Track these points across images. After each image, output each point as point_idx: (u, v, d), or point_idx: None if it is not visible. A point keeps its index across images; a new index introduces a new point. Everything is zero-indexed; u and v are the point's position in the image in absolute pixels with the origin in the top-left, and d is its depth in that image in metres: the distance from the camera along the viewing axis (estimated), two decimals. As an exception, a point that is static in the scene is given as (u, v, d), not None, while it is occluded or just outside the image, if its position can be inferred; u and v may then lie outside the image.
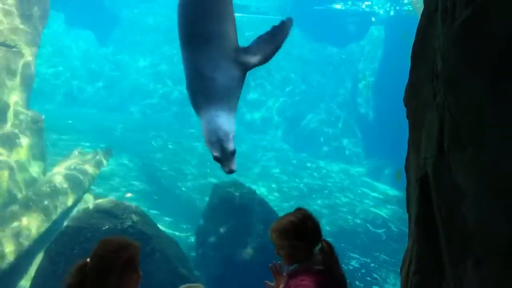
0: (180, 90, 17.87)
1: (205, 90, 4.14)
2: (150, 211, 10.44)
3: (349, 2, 18.41)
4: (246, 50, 4.27)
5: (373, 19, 17.73)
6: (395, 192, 13.41)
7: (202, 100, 4.14)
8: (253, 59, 4.29)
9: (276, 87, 17.84)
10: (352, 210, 12.27)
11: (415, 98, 2.45)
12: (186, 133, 15.38)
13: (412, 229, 2.36)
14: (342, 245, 10.07)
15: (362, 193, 13.52)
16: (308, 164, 15.21)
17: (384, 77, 15.66)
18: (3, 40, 7.42)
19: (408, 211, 2.58)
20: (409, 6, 16.28)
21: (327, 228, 11.01)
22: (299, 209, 2.56)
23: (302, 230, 2.44)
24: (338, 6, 18.21)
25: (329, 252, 2.44)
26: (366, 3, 17.91)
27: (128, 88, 18.28)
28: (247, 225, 7.91)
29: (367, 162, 15.55)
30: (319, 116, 17.25)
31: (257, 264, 7.57)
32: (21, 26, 7.61)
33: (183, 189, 12.18)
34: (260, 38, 4.36)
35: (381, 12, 17.67)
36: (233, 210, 7.98)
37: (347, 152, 16.39)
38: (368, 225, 11.44)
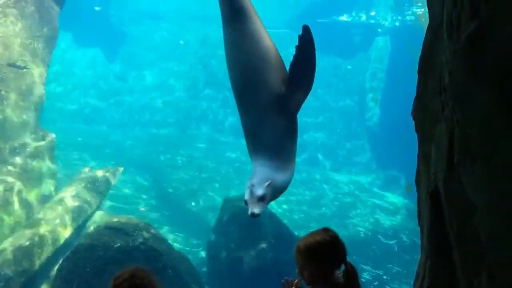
0: (188, 105, 17.98)
1: (252, 144, 4.43)
2: (161, 226, 10.46)
3: (353, 14, 18.50)
4: (288, 91, 4.33)
5: (378, 30, 17.79)
6: (406, 202, 13.33)
7: (252, 152, 4.46)
8: (297, 97, 4.40)
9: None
10: (363, 221, 12.20)
11: (423, 111, 2.46)
12: (195, 148, 15.43)
13: (425, 243, 2.35)
14: (354, 257, 9.96)
15: (372, 204, 13.45)
16: (317, 176, 15.17)
17: (391, 87, 15.66)
18: (14, 61, 7.53)
19: (419, 225, 2.57)
20: (412, 17, 16.33)
21: (338, 240, 10.95)
22: (326, 230, 2.51)
23: (330, 253, 2.41)
24: (343, 18, 18.31)
25: (353, 275, 2.40)
26: (371, 13, 18.00)
27: (136, 104, 18.42)
28: (258, 239, 7.90)
29: (376, 173, 15.49)
30: (327, 127, 17.26)
31: (269, 278, 7.54)
32: (31, 47, 7.74)
33: (193, 204, 12.20)
34: (293, 67, 4.42)
35: (386, 23, 17.72)
36: (243, 224, 7.97)
37: (355, 163, 16.35)
38: (379, 236, 11.36)
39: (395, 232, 11.67)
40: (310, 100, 19.16)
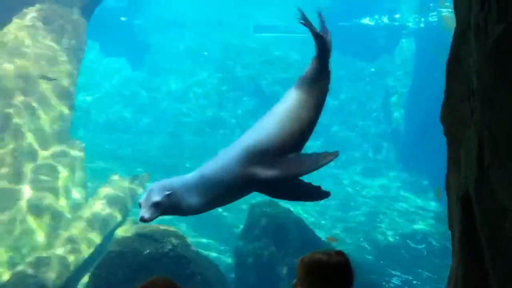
0: (212, 112, 18.13)
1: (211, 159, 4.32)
2: (188, 233, 10.55)
3: (376, 16, 18.40)
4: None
5: (403, 32, 17.63)
6: (434, 205, 13.12)
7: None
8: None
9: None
10: (390, 225, 12.05)
11: (452, 115, 2.45)
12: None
13: (456, 248, 2.33)
14: (382, 262, 9.89)
15: (400, 208, 13.28)
16: (344, 180, 15.07)
17: (417, 89, 15.47)
18: (45, 73, 7.76)
19: (450, 229, 2.55)
20: (436, 18, 16.13)
21: (366, 245, 10.84)
22: (339, 254, 2.32)
23: (333, 278, 2.23)
24: (366, 21, 18.22)
25: None
26: (396, 15, 17.86)
27: (161, 112, 18.67)
28: (284, 244, 7.90)
29: (403, 176, 15.29)
30: (352, 131, 17.16)
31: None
32: (61, 59, 7.96)
33: (219, 210, 12.26)
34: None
35: (411, 24, 17.56)
36: (270, 230, 7.99)
37: (382, 167, 16.18)
38: (408, 240, 11.20)
39: (424, 236, 11.49)
40: (333, 104, 19.14)
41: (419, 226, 12.17)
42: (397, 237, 11.47)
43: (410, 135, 15.49)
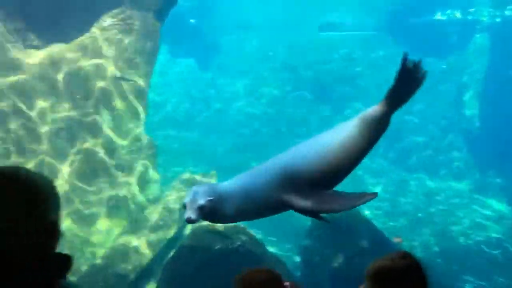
0: (277, 112, 18.23)
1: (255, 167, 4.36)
2: (254, 230, 10.69)
3: (448, 11, 17.69)
4: None
5: (477, 27, 16.82)
6: (510, 209, 12.47)
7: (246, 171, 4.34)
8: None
9: (371, 100, 17.49)
10: (462, 229, 11.59)
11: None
12: (285, 153, 15.60)
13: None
14: (454, 267, 9.55)
15: (472, 211, 12.74)
16: (412, 181, 14.66)
17: (491, 87, 14.75)
18: (121, 75, 8.18)
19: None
20: (509, 12, 15.28)
21: (437, 250, 10.51)
22: (404, 256, 2.24)
23: (402, 283, 2.14)
24: (438, 17, 17.57)
25: None
26: (470, 10, 17.08)
27: (227, 111, 19.02)
28: (352, 244, 7.82)
29: (477, 178, 14.62)
30: (421, 130, 16.62)
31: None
32: (137, 61, 8.35)
33: (285, 208, 12.31)
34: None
35: (485, 19, 16.71)
36: (337, 229, 7.93)
37: (453, 167, 15.55)
38: (482, 245, 10.73)
39: (499, 241, 10.96)
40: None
41: (494, 230, 11.61)
42: (470, 242, 11.02)
43: (485, 135, 14.78)
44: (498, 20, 16.34)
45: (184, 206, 3.93)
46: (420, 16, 17.73)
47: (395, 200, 13.21)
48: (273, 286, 2.10)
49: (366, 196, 4.19)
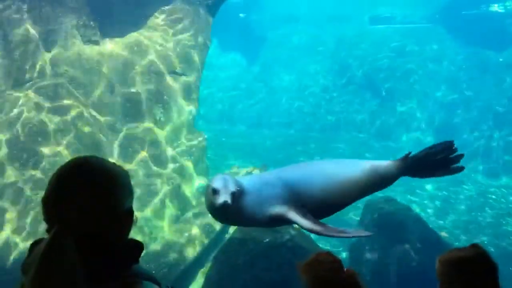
0: (326, 107, 18.06)
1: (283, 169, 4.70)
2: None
3: (508, 3, 16.95)
4: None
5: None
6: None
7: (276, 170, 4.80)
8: None
9: (428, 99, 17.04)
10: (517, 230, 11.13)
11: None
12: (332, 148, 15.46)
13: None
14: (510, 268, 9.18)
15: (528, 212, 12.20)
16: (465, 179, 14.17)
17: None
18: (174, 69, 8.35)
19: None
20: None
21: (492, 250, 10.14)
22: (476, 246, 2.30)
23: (478, 272, 2.20)
24: (495, 8, 16.85)
25: None
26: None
27: (275, 105, 19.04)
28: (403, 242, 7.66)
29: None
30: (476, 127, 16.02)
31: (415, 284, 7.28)
32: (188, 56, 8.51)
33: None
34: None
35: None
36: (387, 226, 7.79)
37: (508, 165, 14.93)
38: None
39: (559, 243, 10.45)
40: (456, 97, 18.04)
41: (553, 231, 11.09)
42: (528, 244, 10.57)
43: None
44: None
45: (215, 191, 3.92)
46: (476, 8, 17.08)
47: (445, 197, 12.83)
48: (332, 267, 2.16)
49: (356, 233, 4.73)
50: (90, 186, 1.54)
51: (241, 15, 20.75)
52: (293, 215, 4.25)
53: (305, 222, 4.25)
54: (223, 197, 3.85)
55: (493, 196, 13.05)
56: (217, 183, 3.97)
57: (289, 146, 15.64)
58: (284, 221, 4.38)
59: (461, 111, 16.37)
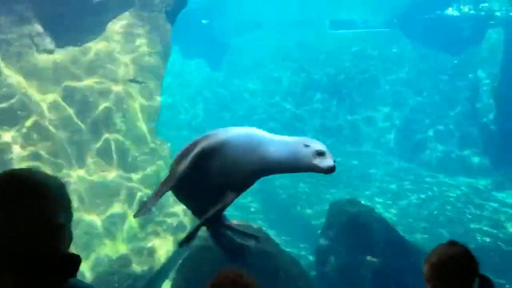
0: (290, 110, 18.19)
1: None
2: (268, 230, 10.68)
3: (462, 6, 17.53)
4: None
5: (491, 22, 16.62)
6: (528, 206, 12.29)
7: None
8: None
9: (387, 100, 17.43)
10: (479, 227, 11.45)
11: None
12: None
13: None
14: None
15: (489, 208, 12.57)
16: (427, 179, 14.53)
17: (507, 82, 14.55)
18: (134, 77, 8.23)
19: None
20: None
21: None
22: (454, 243, 2.38)
23: (463, 269, 2.30)
24: (450, 12, 17.41)
25: None
26: (482, 5, 16.91)
27: (240, 111, 19.05)
28: (367, 243, 7.76)
29: (493, 174, 14.44)
30: (436, 127, 16.47)
31: (380, 285, 7.38)
32: (148, 63, 8.41)
33: (298, 208, 12.30)
34: None
35: (499, 14, 16.51)
36: (352, 228, 7.89)
37: (469, 164, 15.39)
38: (499, 242, 10.59)
39: (517, 238, 10.82)
40: (416, 100, 18.45)
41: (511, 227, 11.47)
42: (487, 239, 10.88)
43: (501, 131, 14.60)
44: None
45: (323, 154, 3.81)
46: (432, 12, 17.60)
47: (408, 197, 13.10)
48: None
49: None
50: (19, 200, 1.49)
51: (203, 21, 20.70)
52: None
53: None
54: (332, 160, 3.78)
55: (454, 195, 13.41)
56: (322, 146, 3.85)
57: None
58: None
59: (421, 111, 16.79)
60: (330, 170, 3.80)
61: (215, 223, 4.60)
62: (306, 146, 3.91)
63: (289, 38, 19.69)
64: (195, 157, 3.96)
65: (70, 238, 1.62)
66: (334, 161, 3.80)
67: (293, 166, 3.99)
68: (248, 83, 19.56)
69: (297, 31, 19.58)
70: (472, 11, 17.23)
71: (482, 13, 17.10)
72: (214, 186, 4.14)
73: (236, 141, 4.01)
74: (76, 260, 1.57)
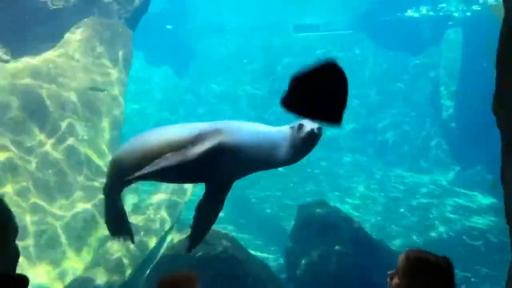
0: (257, 114, 18.22)
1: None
2: (238, 235, 10.65)
3: (421, 8, 17.96)
4: None
5: (449, 22, 17.10)
6: (490, 200, 12.64)
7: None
8: None
9: (352, 101, 17.67)
10: (444, 222, 11.72)
11: (505, 106, 2.36)
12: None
13: (515, 243, 2.25)
14: (436, 258, 9.63)
15: (454, 203, 12.89)
16: (393, 177, 14.79)
17: (466, 80, 14.97)
18: (95, 85, 8.08)
19: (508, 224, 2.46)
20: (478, 7, 15.63)
21: (420, 243, 10.59)
22: (442, 256, 2.37)
23: (440, 279, 2.25)
24: (409, 13, 17.82)
25: None
26: (441, 5, 17.38)
27: (207, 116, 18.95)
28: (335, 244, 7.84)
29: (456, 170, 14.83)
30: (400, 125, 16.81)
31: (349, 284, 7.45)
32: (109, 71, 8.26)
33: (268, 211, 12.32)
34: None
35: (456, 14, 17.00)
36: (320, 230, 7.95)
37: (432, 160, 15.76)
38: (464, 237, 10.86)
39: (481, 232, 11.10)
40: (378, 99, 18.79)
41: (475, 221, 11.77)
42: (452, 234, 11.15)
43: (462, 128, 15.00)
44: (469, 14, 16.64)
45: (300, 126, 3.86)
46: (392, 14, 17.97)
47: (375, 195, 13.31)
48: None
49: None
50: None
51: (168, 26, 20.53)
52: None
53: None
54: (312, 124, 3.74)
55: (419, 191, 13.69)
56: (314, 124, 3.79)
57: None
58: None
59: (384, 111, 17.09)
60: (318, 131, 3.78)
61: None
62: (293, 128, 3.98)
63: (254, 41, 19.74)
64: (210, 149, 3.91)
65: (15, 256, 1.56)
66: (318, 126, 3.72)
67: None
68: (214, 88, 19.51)
69: (262, 34, 19.66)
70: (431, 12, 17.67)
71: (441, 13, 17.57)
72: (201, 174, 4.11)
73: (250, 149, 3.97)
74: (23, 281, 1.51)
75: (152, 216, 7.98)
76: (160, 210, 8.06)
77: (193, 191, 9.66)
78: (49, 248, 6.87)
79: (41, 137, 7.58)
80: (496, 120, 2.53)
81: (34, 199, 7.08)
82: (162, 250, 7.42)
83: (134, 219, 7.96)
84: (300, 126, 3.87)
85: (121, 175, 4.34)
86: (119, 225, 5.04)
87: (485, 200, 12.94)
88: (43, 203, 7.17)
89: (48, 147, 7.55)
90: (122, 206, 5.08)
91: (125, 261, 7.25)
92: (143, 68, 20.25)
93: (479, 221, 11.73)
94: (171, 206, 8.33)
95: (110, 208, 4.93)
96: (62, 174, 7.49)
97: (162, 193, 8.53)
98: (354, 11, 18.96)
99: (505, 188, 2.45)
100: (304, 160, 4.48)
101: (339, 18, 19.79)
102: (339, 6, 19.09)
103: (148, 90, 19.92)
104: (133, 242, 5.20)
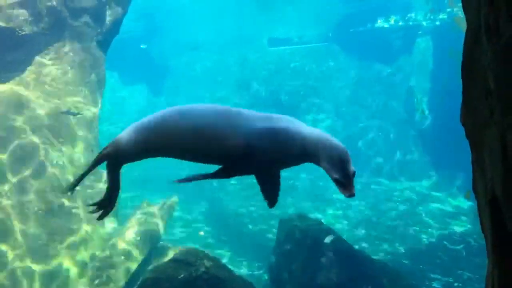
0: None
1: None
2: (222, 252, 10.57)
3: (390, 18, 18.32)
4: None
5: (419, 32, 17.49)
6: (469, 205, 12.83)
7: None
8: None
9: (329, 113, 17.83)
10: (425, 228, 11.85)
11: (472, 117, 2.40)
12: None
13: (490, 252, 2.27)
14: (421, 266, 9.70)
15: (433, 209, 13.06)
16: (372, 186, 14.92)
17: (439, 88, 15.28)
18: (68, 108, 7.98)
19: (483, 232, 2.48)
20: (445, 15, 16.04)
21: (402, 250, 10.66)
22: None
23: None
24: (380, 24, 18.16)
25: None
26: (410, 15, 17.76)
27: (185, 134, 18.86)
28: (318, 257, 7.83)
29: (434, 177, 15.05)
30: (376, 134, 17.01)
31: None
32: (83, 93, 8.18)
33: (250, 226, 12.27)
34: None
35: (425, 23, 17.41)
36: (302, 243, 7.94)
37: (409, 168, 15.97)
38: (445, 242, 10.98)
39: (462, 236, 11.25)
40: (354, 109, 18.96)
41: (455, 226, 11.92)
42: (433, 240, 11.26)
43: (437, 135, 15.27)
44: (437, 23, 17.04)
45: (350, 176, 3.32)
46: (363, 25, 18.29)
47: (355, 205, 13.38)
48: None
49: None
50: None
51: (142, 46, 20.49)
52: None
53: None
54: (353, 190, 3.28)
55: (398, 199, 13.83)
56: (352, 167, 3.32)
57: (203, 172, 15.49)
58: None
59: (360, 120, 17.29)
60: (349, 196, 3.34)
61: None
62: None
63: (229, 57, 19.84)
64: (278, 129, 3.37)
65: None
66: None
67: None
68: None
69: (237, 50, 19.77)
70: (400, 22, 18.04)
71: (410, 23, 17.96)
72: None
73: (311, 142, 3.42)
74: None
75: (131, 239, 7.86)
76: (139, 233, 7.96)
77: (175, 209, 9.56)
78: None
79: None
80: (464, 130, 2.57)
81: None
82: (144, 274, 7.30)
83: (113, 242, 7.85)
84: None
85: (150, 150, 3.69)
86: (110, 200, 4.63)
87: (464, 204, 13.14)
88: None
89: (23, 177, 7.40)
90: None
91: (106, 286, 7.12)
92: (118, 88, 20.14)
93: (459, 226, 11.90)
94: (149, 228, 8.23)
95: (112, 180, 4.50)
96: (41, 202, 7.34)
97: (141, 215, 8.42)
98: (327, 23, 19.24)
99: (477, 198, 2.48)
100: (284, 172, 4.40)
101: (310, 31, 20.05)
102: (311, 19, 19.35)
103: (124, 110, 19.80)
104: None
